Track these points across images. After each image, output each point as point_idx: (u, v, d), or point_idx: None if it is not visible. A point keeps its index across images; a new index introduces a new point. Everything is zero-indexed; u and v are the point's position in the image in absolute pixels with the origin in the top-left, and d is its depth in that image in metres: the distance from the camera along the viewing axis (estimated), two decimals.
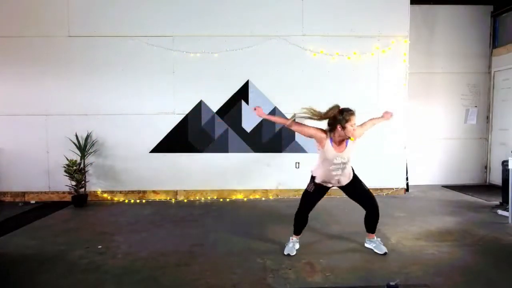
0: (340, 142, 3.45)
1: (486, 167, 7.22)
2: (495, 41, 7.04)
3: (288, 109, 6.06)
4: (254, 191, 6.16)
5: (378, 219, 3.66)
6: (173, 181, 6.07)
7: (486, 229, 4.32)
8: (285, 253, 3.59)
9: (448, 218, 4.86)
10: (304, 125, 3.51)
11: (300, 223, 3.69)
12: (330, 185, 3.63)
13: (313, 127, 3.51)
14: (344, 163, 3.47)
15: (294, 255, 3.57)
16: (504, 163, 5.13)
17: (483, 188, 6.79)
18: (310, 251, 3.68)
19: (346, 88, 6.07)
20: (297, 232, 3.72)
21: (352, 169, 3.66)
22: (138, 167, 6.01)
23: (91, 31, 5.89)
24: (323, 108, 3.49)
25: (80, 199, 5.65)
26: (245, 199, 6.08)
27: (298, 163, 6.13)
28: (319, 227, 4.45)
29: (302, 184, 6.01)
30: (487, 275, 3.14)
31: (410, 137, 6.59)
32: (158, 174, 6.04)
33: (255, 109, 3.72)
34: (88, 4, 5.89)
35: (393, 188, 6.22)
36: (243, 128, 6.08)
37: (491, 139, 7.16)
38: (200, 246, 3.84)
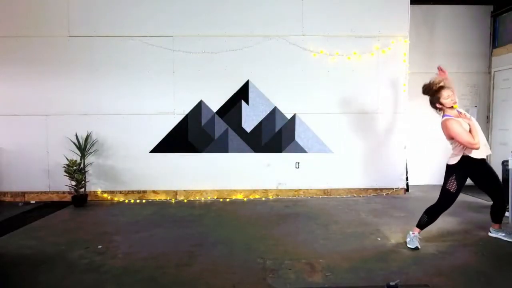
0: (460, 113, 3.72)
1: None
2: (495, 41, 7.03)
3: (288, 109, 6.07)
4: (254, 191, 6.16)
5: (505, 208, 3.93)
6: (173, 181, 6.07)
7: (486, 229, 4.31)
8: (412, 246, 3.68)
9: (448, 218, 4.85)
10: (459, 133, 3.66)
11: (432, 220, 3.79)
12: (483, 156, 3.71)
13: (452, 124, 3.71)
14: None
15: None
16: (504, 163, 5.13)
17: None
18: (310, 251, 3.68)
19: (346, 88, 6.08)
20: (422, 227, 3.81)
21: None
22: (138, 167, 6.02)
23: (91, 31, 5.89)
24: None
25: (80, 199, 5.66)
26: (245, 199, 6.08)
27: (298, 163, 6.13)
28: (319, 227, 4.45)
29: (302, 184, 6.12)
30: (487, 275, 3.13)
31: (410, 137, 6.58)
32: (158, 174, 6.04)
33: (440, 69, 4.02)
34: (88, 4, 5.89)
35: (393, 188, 6.22)
36: (243, 128, 6.08)
37: (491, 139, 7.15)
38: (200, 246, 3.84)
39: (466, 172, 3.72)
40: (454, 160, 3.75)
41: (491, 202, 3.90)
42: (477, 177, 3.80)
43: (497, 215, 3.95)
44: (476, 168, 3.72)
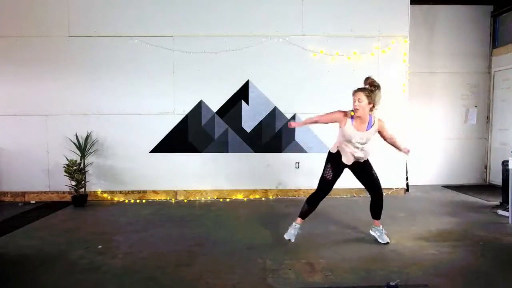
0: (360, 122, 3.66)
1: (486, 167, 7.22)
2: (495, 41, 7.04)
3: (288, 109, 6.07)
4: (254, 191, 6.16)
5: (382, 206, 3.88)
6: (173, 181, 6.07)
7: (486, 229, 4.32)
8: (286, 237, 3.78)
9: (448, 218, 4.86)
10: (327, 114, 3.78)
11: (310, 206, 3.84)
12: (349, 162, 3.77)
13: (335, 111, 3.77)
14: (364, 143, 3.68)
15: (293, 241, 3.77)
16: (504, 163, 5.13)
17: (483, 188, 6.79)
18: (310, 251, 3.68)
19: (346, 88, 6.01)
20: (303, 216, 3.87)
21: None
22: (138, 167, 6.01)
23: (91, 31, 5.89)
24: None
25: (80, 199, 5.65)
26: (245, 199, 6.08)
27: (298, 163, 6.13)
28: (319, 227, 4.45)
29: (302, 184, 6.12)
30: (487, 275, 3.13)
31: (410, 137, 6.58)
32: (158, 174, 6.04)
33: (290, 125, 4.02)
34: (88, 4, 5.89)
35: (393, 188, 6.22)
36: (243, 128, 6.08)
37: (491, 139, 7.16)
38: (200, 246, 3.84)
39: (341, 163, 3.79)
40: (334, 149, 3.83)
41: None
42: (354, 171, 3.89)
43: (375, 212, 3.94)
44: (349, 165, 3.81)
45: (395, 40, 6.05)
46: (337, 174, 3.80)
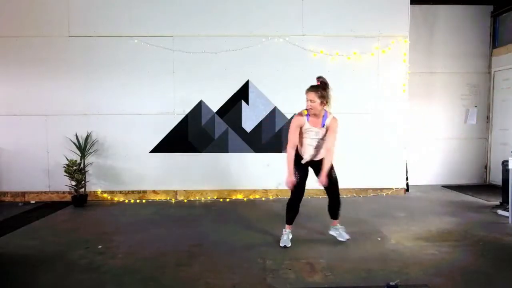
0: (315, 119, 3.72)
1: (486, 167, 7.22)
2: (495, 41, 7.04)
3: (288, 109, 6.06)
4: (254, 191, 6.16)
5: (339, 206, 4.00)
6: (173, 181, 6.07)
7: (486, 229, 4.32)
8: (281, 245, 3.79)
9: (448, 218, 4.86)
10: (291, 130, 3.75)
11: (292, 212, 3.91)
12: (307, 160, 3.82)
13: (293, 121, 3.77)
14: (319, 139, 3.74)
15: (289, 246, 3.77)
16: (504, 163, 5.13)
17: (483, 188, 6.79)
18: (310, 251, 3.68)
19: (346, 88, 6.07)
20: (290, 221, 3.93)
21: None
22: (138, 167, 6.01)
23: (91, 31, 5.89)
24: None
25: (80, 199, 5.65)
26: (245, 199, 6.08)
27: None
28: (319, 227, 4.45)
29: None
30: (487, 275, 3.13)
31: (410, 137, 6.59)
32: (158, 174, 6.04)
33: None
34: (88, 4, 5.89)
35: (393, 188, 6.22)
36: (243, 128, 6.08)
37: (491, 139, 7.16)
38: (200, 246, 3.84)
39: (302, 164, 3.83)
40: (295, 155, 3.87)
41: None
42: (315, 171, 3.90)
43: (333, 212, 4.02)
44: (309, 164, 3.87)
45: (395, 40, 6.05)
46: (303, 175, 3.85)
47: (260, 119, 6.06)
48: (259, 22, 5.98)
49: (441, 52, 6.98)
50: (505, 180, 5.03)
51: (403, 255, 3.57)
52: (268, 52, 5.98)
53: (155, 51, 5.92)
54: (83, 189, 5.77)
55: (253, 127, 6.08)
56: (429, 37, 6.96)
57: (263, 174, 6.11)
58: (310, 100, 3.62)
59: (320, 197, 6.05)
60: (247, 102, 6.05)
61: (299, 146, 3.81)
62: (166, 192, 6.10)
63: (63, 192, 5.96)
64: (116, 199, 6.04)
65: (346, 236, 3.97)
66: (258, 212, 5.28)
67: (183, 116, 6.03)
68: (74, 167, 5.63)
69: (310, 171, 3.94)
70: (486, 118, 7.18)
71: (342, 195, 6.16)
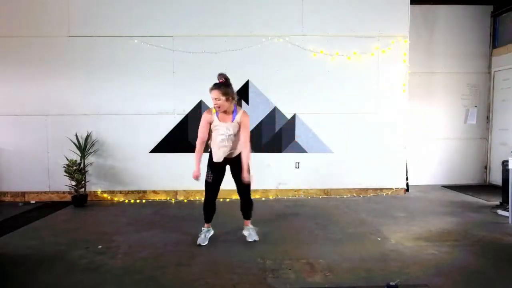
0: (225, 115, 3.77)
1: (486, 167, 7.22)
2: (495, 41, 7.04)
3: (288, 109, 6.07)
4: (254, 191, 6.14)
5: (251, 207, 4.05)
6: (173, 181, 6.06)
7: (486, 229, 4.32)
8: (198, 243, 3.86)
9: (448, 218, 4.86)
10: (200, 128, 3.85)
11: (209, 211, 4.01)
12: (221, 160, 3.84)
13: (202, 118, 3.85)
14: (230, 135, 3.76)
15: (205, 244, 3.85)
16: (504, 163, 5.13)
17: (483, 188, 6.79)
18: (310, 251, 3.68)
19: (346, 88, 6.08)
20: (207, 220, 4.04)
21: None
22: (138, 167, 6.01)
23: (91, 31, 5.89)
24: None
25: (80, 199, 5.65)
26: None
27: (298, 163, 6.13)
28: (319, 227, 4.45)
29: (302, 184, 6.12)
30: (487, 275, 3.13)
31: (410, 137, 6.59)
32: (158, 174, 6.04)
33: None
34: (88, 4, 5.89)
35: (393, 188, 6.22)
36: None
37: (491, 139, 7.16)
38: (200, 246, 3.84)
39: (215, 163, 3.88)
40: (209, 153, 3.96)
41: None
42: (231, 171, 3.96)
43: (244, 212, 4.08)
44: (222, 164, 3.89)
45: (395, 40, 6.05)
46: (217, 176, 3.91)
47: (260, 119, 6.06)
48: (259, 22, 5.98)
49: (441, 52, 6.98)
50: (505, 180, 5.04)
51: (403, 255, 3.57)
52: (268, 52, 5.98)
53: (155, 51, 5.92)
54: (83, 189, 5.77)
55: (253, 127, 6.07)
56: (429, 37, 6.97)
57: (263, 174, 6.10)
58: (215, 99, 3.65)
59: (320, 197, 6.05)
60: (247, 102, 6.05)
61: (212, 145, 3.85)
62: (166, 192, 6.10)
63: (63, 192, 5.96)
64: (116, 199, 6.04)
65: (255, 237, 3.98)
66: (258, 212, 5.26)
67: (183, 116, 6.03)
68: (74, 167, 5.63)
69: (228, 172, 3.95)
70: (486, 118, 7.18)
71: (342, 195, 6.21)
